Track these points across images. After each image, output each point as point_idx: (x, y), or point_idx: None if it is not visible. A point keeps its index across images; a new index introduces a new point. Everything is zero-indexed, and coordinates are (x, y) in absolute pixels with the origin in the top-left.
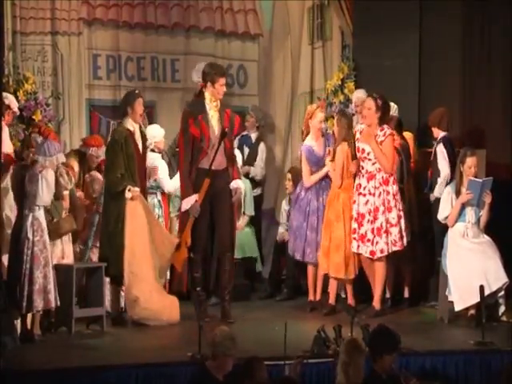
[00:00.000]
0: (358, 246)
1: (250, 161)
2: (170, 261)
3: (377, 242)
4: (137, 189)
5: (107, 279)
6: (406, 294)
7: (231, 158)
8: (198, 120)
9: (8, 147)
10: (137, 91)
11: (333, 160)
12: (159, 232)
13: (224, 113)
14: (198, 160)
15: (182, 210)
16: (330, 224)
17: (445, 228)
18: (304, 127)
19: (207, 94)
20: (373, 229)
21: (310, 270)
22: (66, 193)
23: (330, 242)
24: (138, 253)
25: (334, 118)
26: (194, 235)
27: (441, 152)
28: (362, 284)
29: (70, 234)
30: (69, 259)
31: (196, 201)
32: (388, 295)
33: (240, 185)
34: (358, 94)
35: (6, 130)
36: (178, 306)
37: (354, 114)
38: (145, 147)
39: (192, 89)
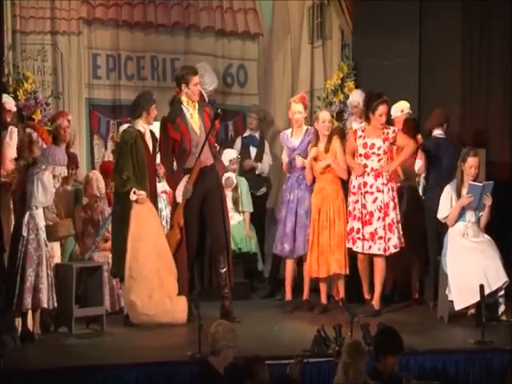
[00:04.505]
0: (370, 247)
1: (258, 159)
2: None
3: (389, 239)
4: (143, 192)
5: (107, 278)
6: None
7: (215, 155)
8: (176, 123)
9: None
10: (154, 97)
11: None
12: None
13: (203, 112)
14: (183, 161)
15: (178, 200)
16: (332, 222)
17: (437, 227)
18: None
19: (184, 98)
20: (384, 225)
21: (289, 267)
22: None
23: (331, 240)
24: (141, 258)
25: (333, 116)
26: (185, 235)
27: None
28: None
29: None
30: (53, 259)
31: (187, 182)
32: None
33: (230, 175)
34: (355, 97)
35: (14, 133)
36: (184, 308)
37: (352, 114)
38: (155, 148)
39: None
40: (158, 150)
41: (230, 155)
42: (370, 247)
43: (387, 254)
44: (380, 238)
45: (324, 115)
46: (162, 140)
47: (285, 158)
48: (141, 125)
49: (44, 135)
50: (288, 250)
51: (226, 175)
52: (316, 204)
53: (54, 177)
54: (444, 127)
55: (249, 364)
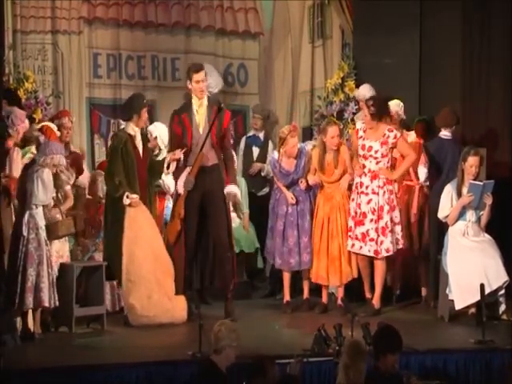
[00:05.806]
0: (361, 247)
1: (260, 160)
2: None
3: (381, 242)
4: (135, 196)
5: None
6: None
7: (221, 157)
8: (181, 118)
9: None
10: (145, 100)
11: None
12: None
13: (212, 110)
14: (184, 157)
15: (179, 191)
16: (344, 230)
17: (439, 226)
18: (277, 150)
19: (193, 94)
20: (377, 228)
21: (287, 278)
22: (68, 188)
23: (343, 248)
24: (137, 259)
25: (333, 116)
26: (184, 234)
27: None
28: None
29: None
30: (63, 259)
31: (189, 173)
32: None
33: (233, 190)
34: (362, 91)
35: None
36: (183, 307)
37: (354, 113)
38: (146, 150)
39: None
40: (159, 148)
41: None
42: (360, 247)
43: (379, 256)
44: (371, 240)
45: (333, 131)
46: (169, 133)
47: (280, 184)
48: (131, 128)
49: (53, 137)
50: (294, 264)
51: (228, 189)
52: (325, 212)
53: (54, 166)
54: (453, 128)
55: (260, 362)
